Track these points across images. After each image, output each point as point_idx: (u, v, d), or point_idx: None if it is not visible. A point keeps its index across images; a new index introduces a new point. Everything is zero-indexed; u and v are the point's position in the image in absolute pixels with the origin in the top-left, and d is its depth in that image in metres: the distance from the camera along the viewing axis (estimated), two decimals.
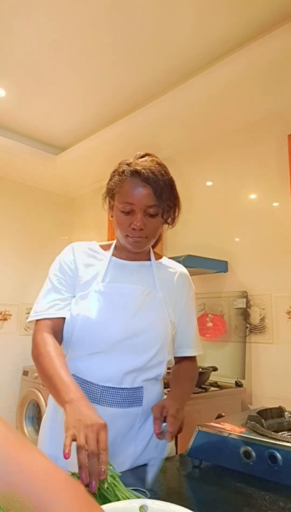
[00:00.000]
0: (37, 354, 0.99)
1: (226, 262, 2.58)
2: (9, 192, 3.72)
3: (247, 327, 2.40)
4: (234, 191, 2.63)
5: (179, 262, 2.29)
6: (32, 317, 1.06)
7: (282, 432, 0.98)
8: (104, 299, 1.05)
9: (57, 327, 1.05)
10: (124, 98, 2.69)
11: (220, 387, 2.29)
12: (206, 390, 2.17)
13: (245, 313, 2.42)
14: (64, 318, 1.06)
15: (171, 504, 0.61)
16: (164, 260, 1.22)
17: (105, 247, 1.17)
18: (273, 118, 2.46)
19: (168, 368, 1.13)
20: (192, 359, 1.21)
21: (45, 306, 1.06)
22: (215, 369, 2.26)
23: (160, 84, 2.53)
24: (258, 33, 2.06)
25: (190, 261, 2.39)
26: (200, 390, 2.15)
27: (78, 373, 1.03)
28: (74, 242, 1.18)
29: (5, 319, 3.55)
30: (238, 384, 2.29)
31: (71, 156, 3.38)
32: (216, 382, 2.32)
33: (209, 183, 2.84)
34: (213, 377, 2.28)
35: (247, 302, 2.42)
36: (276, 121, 2.44)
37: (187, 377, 1.16)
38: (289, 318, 2.23)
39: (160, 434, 0.92)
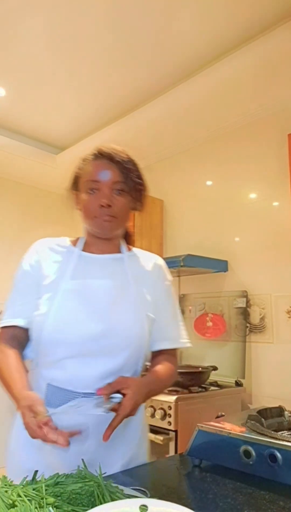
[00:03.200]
0: None
1: (226, 262, 2.58)
2: (9, 192, 3.72)
3: (247, 327, 2.41)
4: (234, 191, 2.63)
5: (179, 261, 2.33)
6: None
7: (282, 432, 0.98)
8: (74, 297, 0.98)
9: (20, 334, 1.01)
10: (124, 98, 2.69)
11: (220, 386, 2.29)
12: (206, 389, 2.17)
13: (245, 313, 2.42)
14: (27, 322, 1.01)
15: (171, 503, 0.61)
16: (136, 251, 1.14)
17: (75, 242, 1.10)
18: (273, 118, 2.46)
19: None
20: (171, 353, 1.09)
21: (7, 314, 1.02)
22: (215, 368, 2.26)
23: (160, 84, 2.53)
24: (258, 32, 2.06)
25: (190, 261, 2.39)
26: (200, 389, 2.15)
27: (54, 382, 0.96)
28: (40, 239, 1.11)
29: None
30: (238, 384, 2.30)
31: (71, 156, 3.38)
32: (216, 382, 2.32)
33: (209, 183, 2.84)
34: (213, 376, 2.28)
35: (247, 301, 2.42)
36: (276, 120, 2.44)
37: (163, 371, 1.04)
38: (289, 317, 2.23)
39: (106, 399, 0.86)
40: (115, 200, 1.00)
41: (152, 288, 1.07)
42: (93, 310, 0.97)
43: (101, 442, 0.91)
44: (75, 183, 1.07)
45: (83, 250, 1.07)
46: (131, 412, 0.86)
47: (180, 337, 1.10)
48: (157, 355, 1.08)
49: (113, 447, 0.96)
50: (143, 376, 1.00)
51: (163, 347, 1.08)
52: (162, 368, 1.04)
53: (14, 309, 1.02)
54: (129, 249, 1.13)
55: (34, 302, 1.01)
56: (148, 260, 1.12)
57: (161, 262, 1.15)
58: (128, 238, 1.15)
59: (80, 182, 1.04)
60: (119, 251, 1.10)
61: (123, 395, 0.86)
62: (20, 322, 1.00)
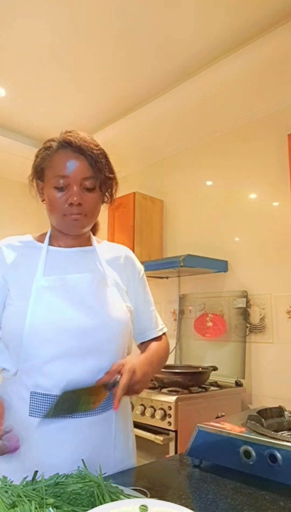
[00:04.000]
0: None
1: (226, 262, 2.58)
2: (9, 192, 3.72)
3: (247, 327, 2.40)
4: (234, 191, 2.63)
5: (179, 261, 2.33)
6: None
7: (282, 432, 0.99)
8: (52, 294, 0.92)
9: None
10: (124, 98, 2.69)
11: (220, 386, 2.29)
12: (206, 389, 2.17)
13: (245, 313, 2.42)
14: None
15: (171, 504, 0.61)
16: (105, 243, 1.11)
17: (40, 238, 1.05)
18: (273, 118, 2.46)
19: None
20: (160, 337, 1.13)
21: None
22: (215, 368, 2.26)
23: (160, 84, 2.53)
24: (258, 32, 2.06)
25: (190, 261, 2.39)
26: (200, 389, 2.15)
27: (40, 388, 0.90)
28: (3, 239, 1.05)
29: None
30: (238, 384, 2.29)
31: None
32: (216, 382, 2.32)
33: (209, 183, 2.84)
34: (213, 376, 2.28)
35: (247, 301, 2.42)
36: (276, 120, 2.43)
37: (158, 348, 1.08)
38: (289, 318, 2.23)
39: (111, 388, 0.88)
40: (85, 196, 0.94)
41: (126, 281, 1.06)
42: (81, 306, 0.92)
43: (94, 446, 0.92)
44: (39, 173, 1.00)
45: (50, 244, 1.02)
46: (135, 379, 0.87)
47: (161, 323, 1.14)
48: (146, 344, 1.10)
49: (106, 451, 0.95)
50: (142, 355, 1.02)
51: (154, 336, 1.10)
52: (156, 344, 1.08)
53: None
54: (98, 242, 1.10)
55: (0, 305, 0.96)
56: (118, 252, 1.10)
57: (130, 253, 1.13)
58: (93, 228, 1.11)
59: (45, 174, 0.97)
60: (88, 244, 1.06)
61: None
62: None
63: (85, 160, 0.93)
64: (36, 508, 0.60)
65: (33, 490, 0.66)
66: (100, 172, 0.95)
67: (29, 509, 0.60)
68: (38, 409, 0.89)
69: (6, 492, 0.66)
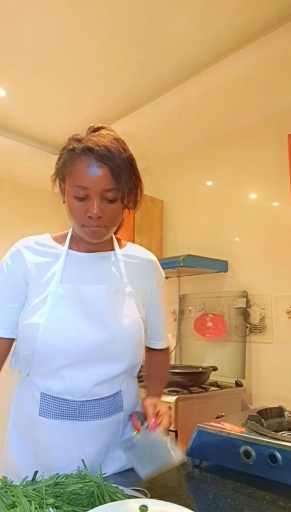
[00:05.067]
0: None
1: (226, 262, 2.58)
2: (9, 192, 3.72)
3: (247, 327, 2.40)
4: (234, 191, 2.63)
5: (179, 261, 2.33)
6: None
7: (282, 432, 0.99)
8: (66, 303, 0.90)
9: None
10: (124, 98, 2.69)
11: (220, 386, 2.29)
12: (206, 390, 2.17)
13: (245, 313, 2.42)
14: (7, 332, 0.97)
15: (171, 504, 0.61)
16: (129, 247, 1.07)
17: (60, 239, 1.01)
18: (273, 118, 2.46)
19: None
20: (164, 350, 1.14)
21: None
22: (215, 369, 2.26)
23: (160, 84, 2.52)
24: (258, 33, 2.06)
25: (190, 261, 2.39)
26: (200, 390, 2.15)
27: (49, 391, 0.91)
28: (21, 239, 1.02)
29: None
30: (238, 384, 2.29)
31: None
32: (216, 382, 2.32)
33: (209, 183, 2.84)
34: (213, 376, 2.28)
35: (247, 302, 2.42)
36: (276, 121, 2.44)
37: (163, 370, 1.15)
38: (289, 318, 2.23)
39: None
40: (105, 208, 0.89)
41: (144, 287, 1.02)
42: (94, 319, 0.91)
43: (101, 447, 0.93)
44: (60, 176, 0.95)
45: (71, 247, 0.99)
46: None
47: (167, 336, 1.14)
48: (150, 351, 1.12)
49: (112, 453, 0.96)
50: (156, 389, 1.06)
51: (158, 347, 1.12)
52: (162, 367, 1.14)
53: None
54: (121, 245, 1.05)
55: (16, 309, 0.95)
56: (141, 258, 1.05)
57: (154, 259, 1.08)
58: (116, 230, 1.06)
59: (66, 180, 0.92)
60: (109, 248, 1.02)
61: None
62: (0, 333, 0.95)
63: (108, 170, 0.86)
64: (36, 508, 0.60)
65: (33, 490, 0.66)
66: (122, 183, 0.88)
67: (29, 509, 0.60)
68: (47, 410, 0.91)
69: (6, 492, 0.66)
